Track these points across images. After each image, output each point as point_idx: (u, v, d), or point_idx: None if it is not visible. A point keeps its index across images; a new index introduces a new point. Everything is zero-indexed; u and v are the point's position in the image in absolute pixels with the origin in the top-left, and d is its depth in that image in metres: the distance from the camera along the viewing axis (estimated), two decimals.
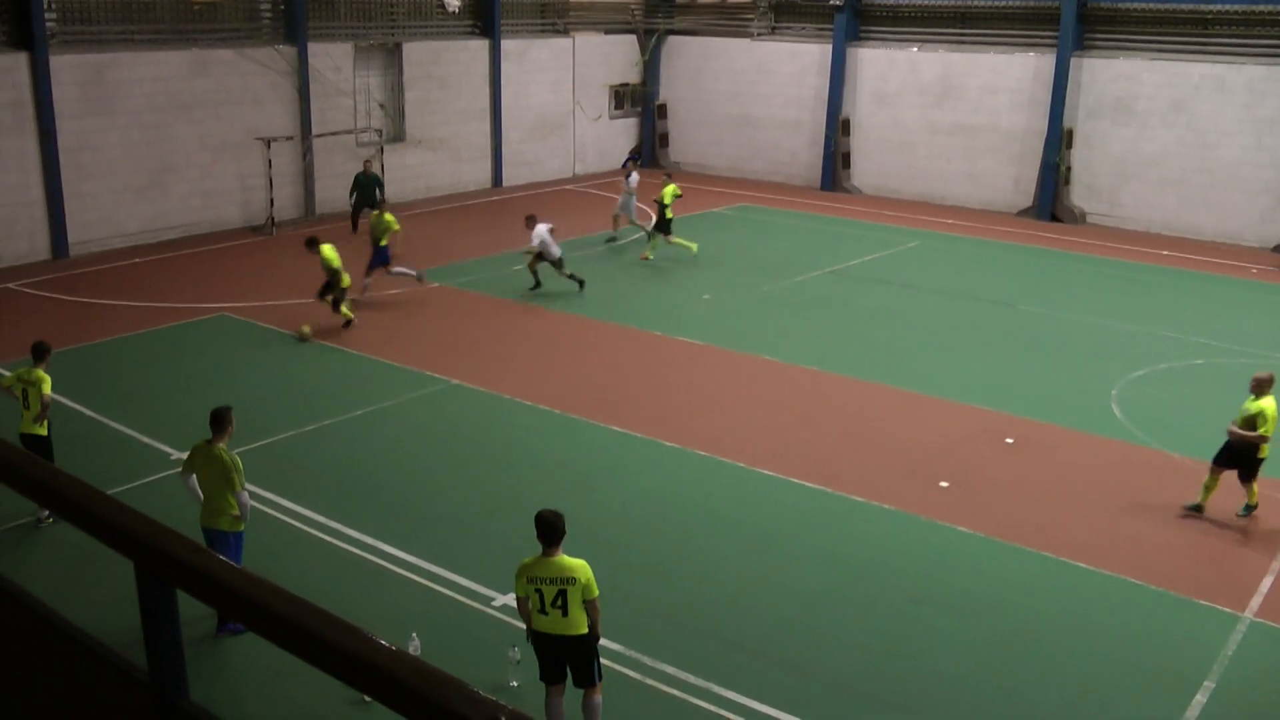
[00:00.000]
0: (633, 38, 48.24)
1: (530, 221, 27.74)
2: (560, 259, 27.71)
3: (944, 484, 18.24)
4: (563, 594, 10.63)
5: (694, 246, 32.04)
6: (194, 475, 13.19)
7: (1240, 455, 17.22)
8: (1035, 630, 14.30)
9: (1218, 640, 14.26)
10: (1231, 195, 38.07)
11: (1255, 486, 17.43)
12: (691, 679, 12.78)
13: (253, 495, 16.48)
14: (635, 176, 34.19)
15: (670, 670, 12.92)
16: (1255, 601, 15.29)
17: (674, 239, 31.94)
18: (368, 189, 33.99)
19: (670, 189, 32.09)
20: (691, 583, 14.94)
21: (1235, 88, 37.69)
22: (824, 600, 14.62)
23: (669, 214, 31.81)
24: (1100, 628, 14.44)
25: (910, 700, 12.73)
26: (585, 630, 10.81)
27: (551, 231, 27.80)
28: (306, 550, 15.48)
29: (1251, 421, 16.99)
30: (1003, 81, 41.62)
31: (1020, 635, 14.17)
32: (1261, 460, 17.16)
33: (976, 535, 16.63)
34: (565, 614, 10.68)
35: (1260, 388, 17.29)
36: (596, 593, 10.76)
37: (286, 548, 15.49)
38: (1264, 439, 16.92)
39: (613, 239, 34.45)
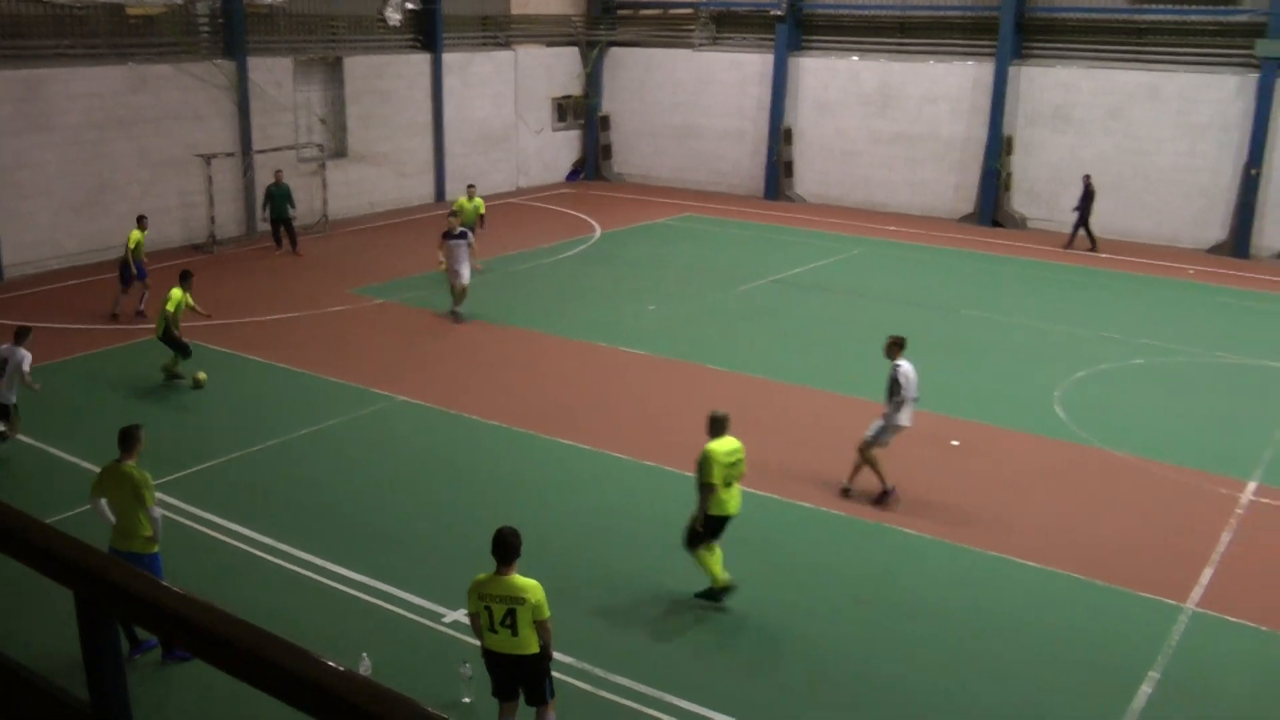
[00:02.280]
0: (575, 50, 48.24)
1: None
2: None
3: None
4: (512, 613, 10.53)
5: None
6: (103, 498, 12.85)
7: None
8: (984, 629, 14.42)
9: (1161, 632, 14.50)
10: (1167, 199, 38.64)
11: None
12: (645, 689, 12.77)
13: (198, 519, 16.46)
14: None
15: (623, 681, 12.91)
16: (1196, 592, 15.58)
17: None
18: (280, 201, 33.44)
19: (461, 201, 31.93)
20: (643, 593, 14.93)
21: (1169, 95, 38.34)
22: (775, 605, 14.66)
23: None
24: (1047, 624, 14.59)
25: (862, 702, 12.78)
26: (535, 650, 10.70)
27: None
28: (254, 573, 15.32)
29: None
30: (943, 90, 41.96)
31: (969, 634, 14.27)
32: None
33: (924, 537, 16.74)
34: (515, 633, 10.58)
35: None
36: (548, 614, 10.65)
37: (233, 571, 15.33)
38: None
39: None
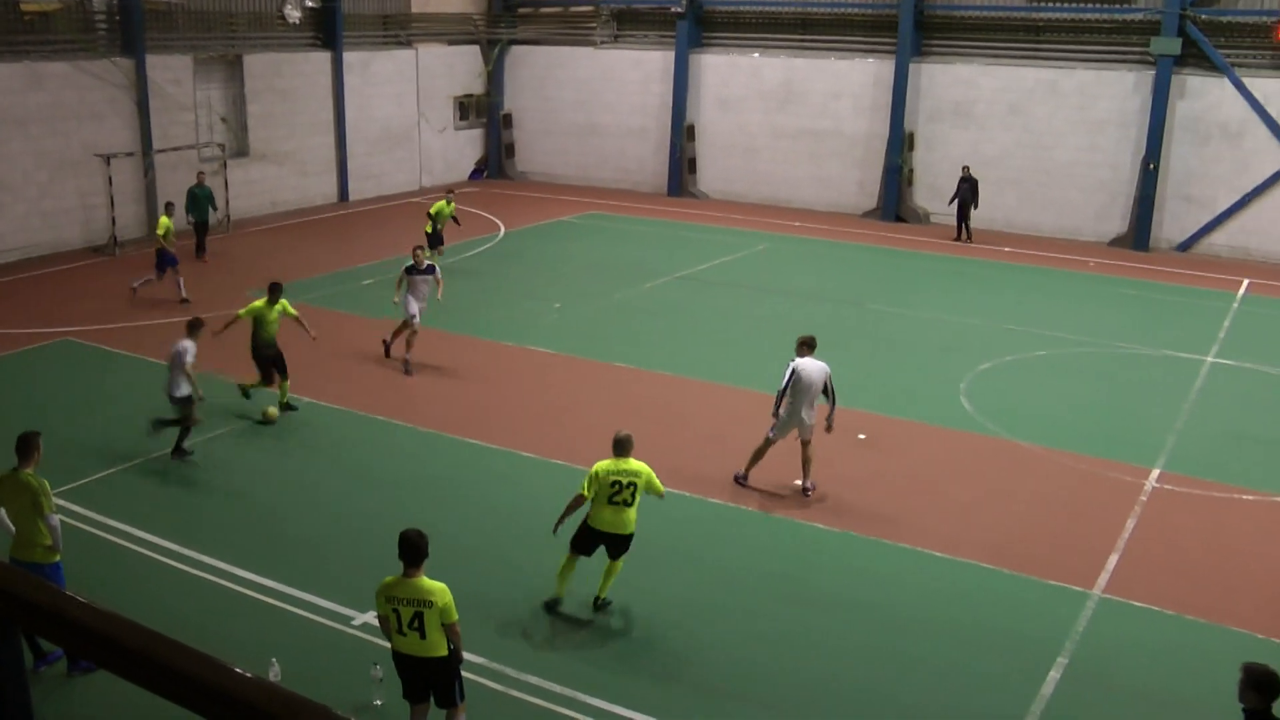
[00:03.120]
0: (476, 48, 47.94)
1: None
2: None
3: (799, 483, 18.33)
4: (419, 616, 10.40)
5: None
6: (1, 507, 12.55)
7: None
8: (895, 620, 14.47)
9: (1069, 618, 14.67)
10: (1068, 193, 39.27)
11: None
12: (556, 688, 12.66)
13: (101, 526, 16.12)
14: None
15: (535, 680, 12.79)
16: (1103, 579, 15.79)
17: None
18: (204, 203, 32.81)
19: (440, 205, 31.64)
20: (553, 592, 14.79)
21: (1068, 91, 38.99)
22: (688, 603, 14.59)
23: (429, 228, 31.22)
24: (957, 614, 14.68)
25: (778, 700, 12.75)
26: (444, 652, 10.60)
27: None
28: (159, 580, 14.98)
29: None
30: (845, 86, 42.25)
31: (881, 626, 14.31)
32: None
33: (834, 531, 16.77)
34: (423, 636, 10.47)
35: None
36: (455, 617, 10.53)
37: (138, 579, 14.99)
38: None
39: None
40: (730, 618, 14.40)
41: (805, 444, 17.94)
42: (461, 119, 47.78)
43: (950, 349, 25.88)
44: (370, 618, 13.40)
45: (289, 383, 20.96)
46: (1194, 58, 37.36)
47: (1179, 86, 37.51)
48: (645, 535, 16.05)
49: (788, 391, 17.68)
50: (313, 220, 38.90)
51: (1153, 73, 37.52)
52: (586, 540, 14.13)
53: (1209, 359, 26.08)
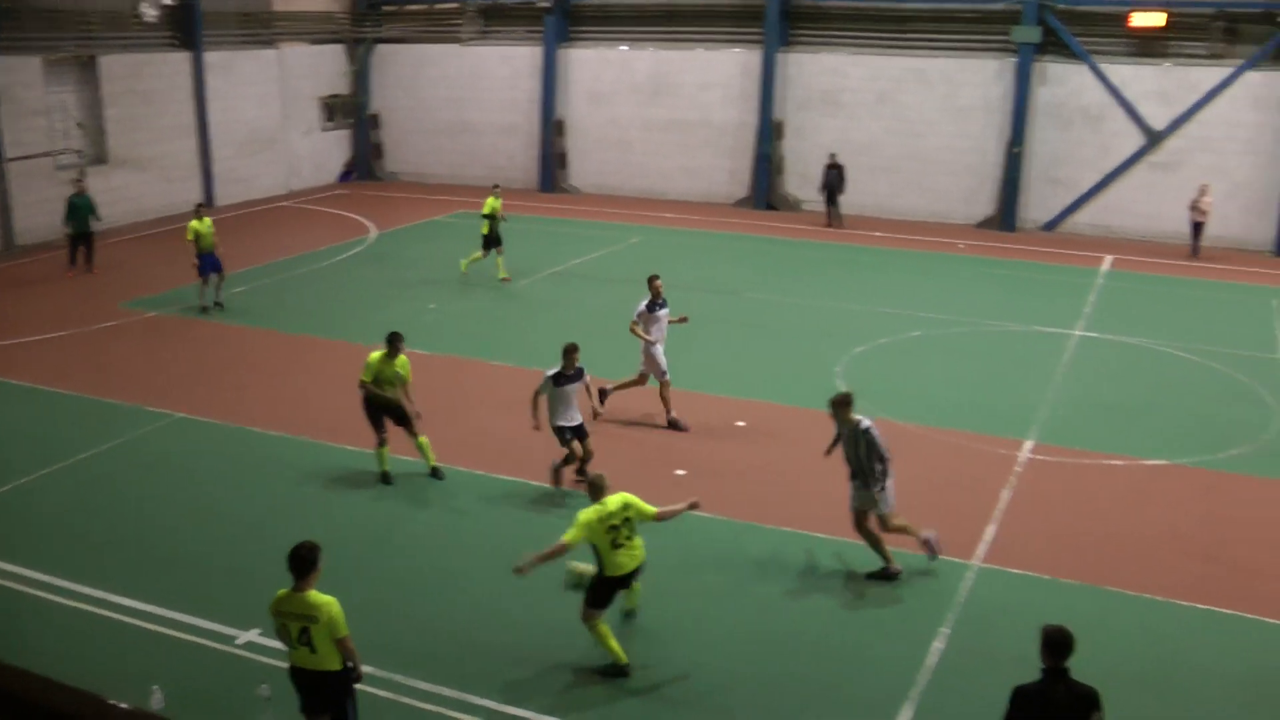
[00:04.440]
0: (341, 48, 47.35)
1: None
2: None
3: (680, 472, 18.34)
4: (305, 631, 10.14)
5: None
6: None
7: None
8: (780, 602, 14.52)
9: (950, 589, 14.93)
10: (938, 178, 39.96)
11: None
12: (447, 692, 12.48)
13: None
14: None
15: (424, 686, 12.60)
16: (981, 549, 16.10)
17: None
18: (84, 213, 31.58)
19: (492, 201, 31.03)
20: (439, 596, 14.57)
21: (934, 79, 39.76)
22: (573, 601, 14.40)
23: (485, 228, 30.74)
24: (840, 592, 14.78)
25: (673, 693, 12.71)
26: (338, 666, 10.29)
27: None
28: (28, 613, 14.33)
29: None
30: (713, 77, 42.50)
31: (765, 612, 14.34)
32: None
33: (717, 519, 16.74)
34: (313, 650, 10.20)
35: None
36: (344, 631, 10.20)
37: (4, 614, 14.37)
38: None
39: None
40: (615, 612, 14.31)
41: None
42: (328, 120, 47.14)
43: (825, 333, 26.09)
44: (254, 635, 13.20)
45: (425, 438, 18.43)
46: (1054, 46, 38.31)
47: (1040, 73, 38.44)
48: (522, 535, 16.02)
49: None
50: (179, 228, 37.82)
51: (1015, 60, 38.43)
52: (609, 592, 13.17)
53: (1076, 333, 26.67)
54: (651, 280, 21.11)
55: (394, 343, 17.91)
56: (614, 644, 12.93)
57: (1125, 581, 15.23)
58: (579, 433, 17.62)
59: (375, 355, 17.92)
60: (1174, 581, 15.29)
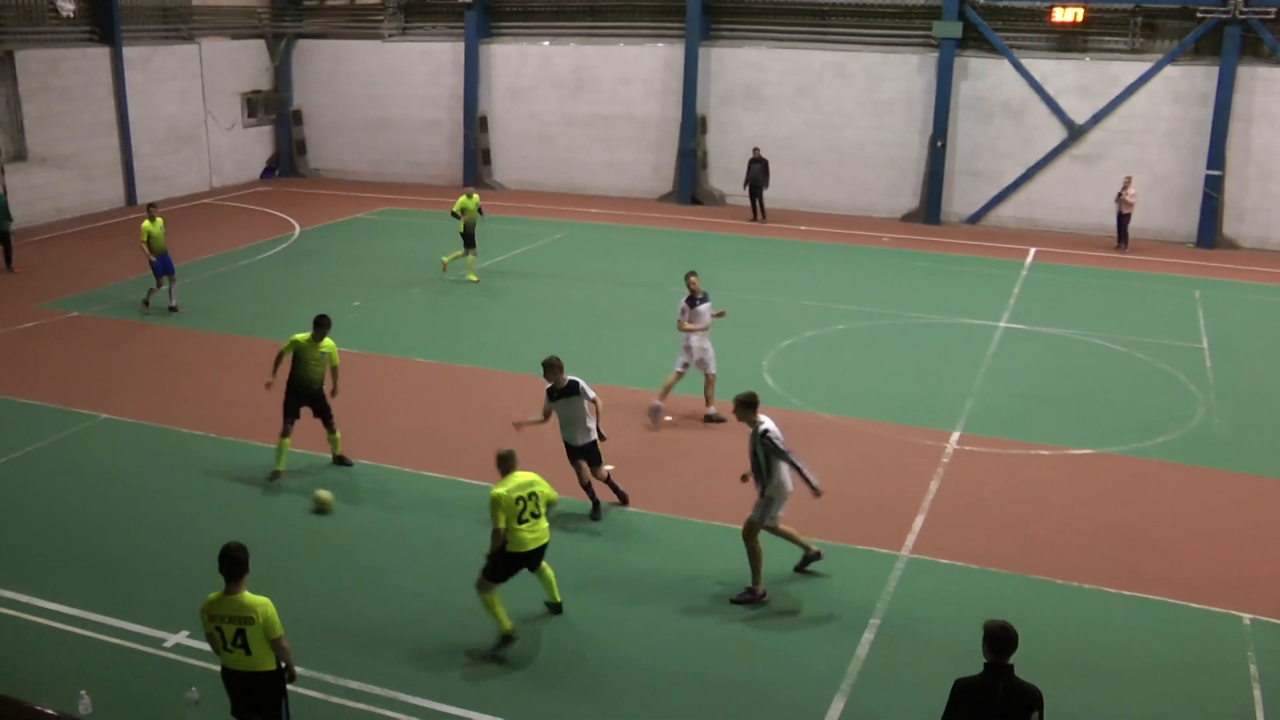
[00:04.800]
0: (262, 43, 46.71)
1: None
2: None
3: (609, 467, 18.18)
4: (241, 633, 9.97)
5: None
6: None
7: None
8: (710, 598, 14.43)
9: (880, 580, 14.95)
10: (860, 172, 40.13)
11: None
12: (377, 690, 12.30)
13: None
14: None
15: (355, 685, 12.41)
16: (910, 540, 16.16)
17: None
18: (1, 212, 30.98)
19: (463, 201, 30.71)
20: (366, 595, 14.36)
21: (855, 73, 39.96)
22: (506, 596, 14.22)
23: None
24: (770, 585, 14.63)
25: (597, 686, 12.60)
26: (272, 667, 10.15)
27: None
28: None
29: None
30: (635, 72, 42.43)
31: (695, 605, 14.25)
32: None
33: (646, 514, 16.66)
34: (248, 652, 10.03)
35: None
36: (279, 631, 10.07)
37: None
38: None
39: None
40: (536, 605, 14.16)
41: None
42: (250, 116, 46.48)
43: (751, 327, 26.02)
44: (183, 638, 12.96)
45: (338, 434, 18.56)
46: (975, 40, 38.62)
47: (962, 68, 38.71)
48: (447, 532, 15.89)
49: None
50: (100, 226, 37.37)
51: (936, 55, 38.66)
52: (508, 569, 13.17)
53: (1001, 325, 26.85)
54: (688, 277, 21.07)
55: (319, 325, 17.97)
56: (500, 612, 13.12)
57: (1053, 570, 15.32)
58: (585, 453, 16.76)
59: (301, 335, 18.04)
60: (1101, 569, 15.41)
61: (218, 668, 10.41)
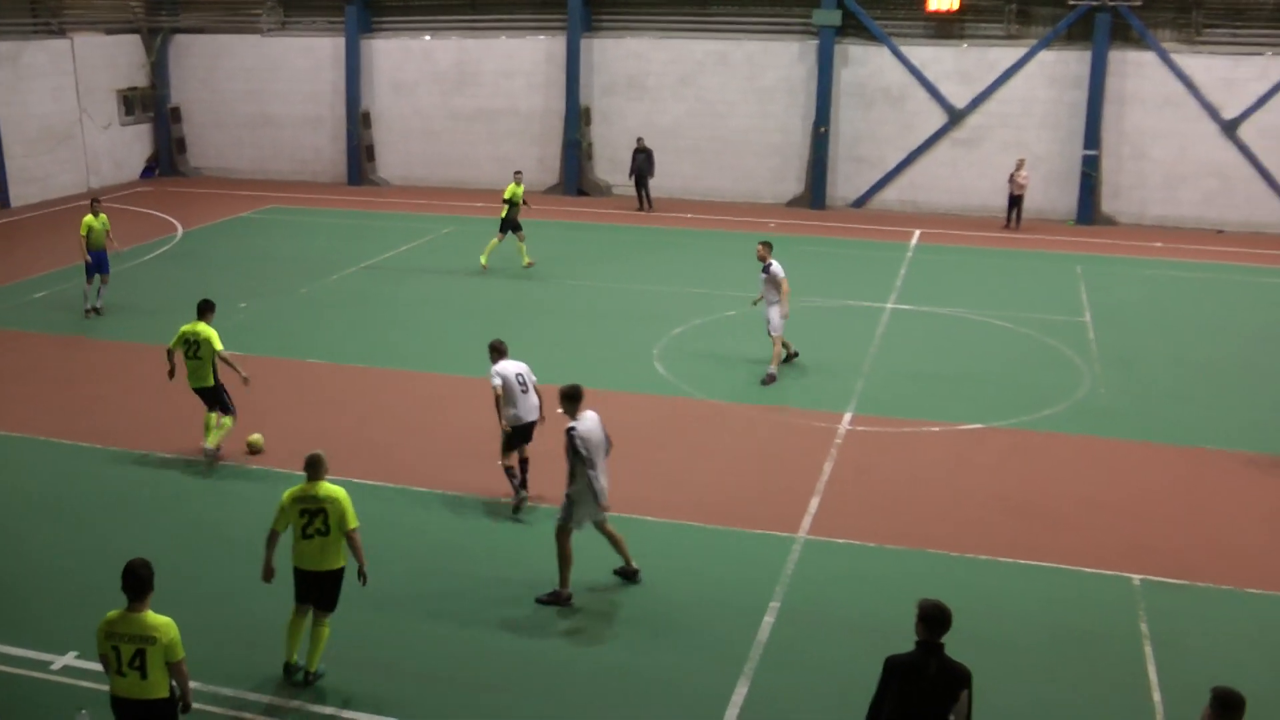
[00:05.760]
0: (137, 38, 45.64)
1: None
2: None
3: (499, 463, 18.12)
4: (141, 654, 9.55)
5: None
6: None
7: None
8: (608, 589, 14.44)
9: (778, 564, 15.05)
10: (744, 159, 40.49)
11: None
12: (276, 701, 12.11)
13: None
14: None
15: (251, 696, 12.18)
16: (806, 521, 16.31)
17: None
18: None
19: (512, 188, 31.07)
20: (259, 603, 13.87)
21: (737, 61, 40.32)
22: (402, 597, 14.01)
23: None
24: (671, 574, 14.73)
25: (501, 681, 12.52)
26: (164, 694, 9.72)
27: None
28: None
29: None
30: (518, 65, 42.34)
31: (594, 597, 14.26)
32: None
33: (539, 507, 16.58)
34: (144, 675, 9.59)
35: None
36: (181, 655, 9.68)
37: None
38: None
39: None
40: (445, 604, 14.01)
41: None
42: (127, 114, 45.38)
43: (641, 317, 26.13)
44: (71, 659, 12.56)
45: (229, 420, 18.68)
46: (854, 28, 39.17)
47: (842, 55, 39.22)
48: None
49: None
50: None
51: (816, 43, 39.08)
52: (298, 584, 12.45)
53: (889, 306, 27.26)
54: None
55: (202, 310, 18.36)
56: (293, 640, 12.43)
57: (946, 543, 15.60)
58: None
59: (185, 325, 18.32)
60: (992, 540, 15.73)
61: (109, 693, 9.97)
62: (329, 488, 11.79)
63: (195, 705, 10.32)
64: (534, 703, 12.15)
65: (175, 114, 46.58)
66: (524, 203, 31.24)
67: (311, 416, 20.25)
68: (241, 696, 12.12)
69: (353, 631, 13.07)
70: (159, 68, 46.10)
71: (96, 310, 26.49)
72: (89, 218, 26.45)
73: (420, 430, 19.75)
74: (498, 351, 16.94)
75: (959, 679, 8.94)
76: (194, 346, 18.15)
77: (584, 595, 14.23)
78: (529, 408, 16.77)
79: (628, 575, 14.57)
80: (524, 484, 16.82)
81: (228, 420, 18.51)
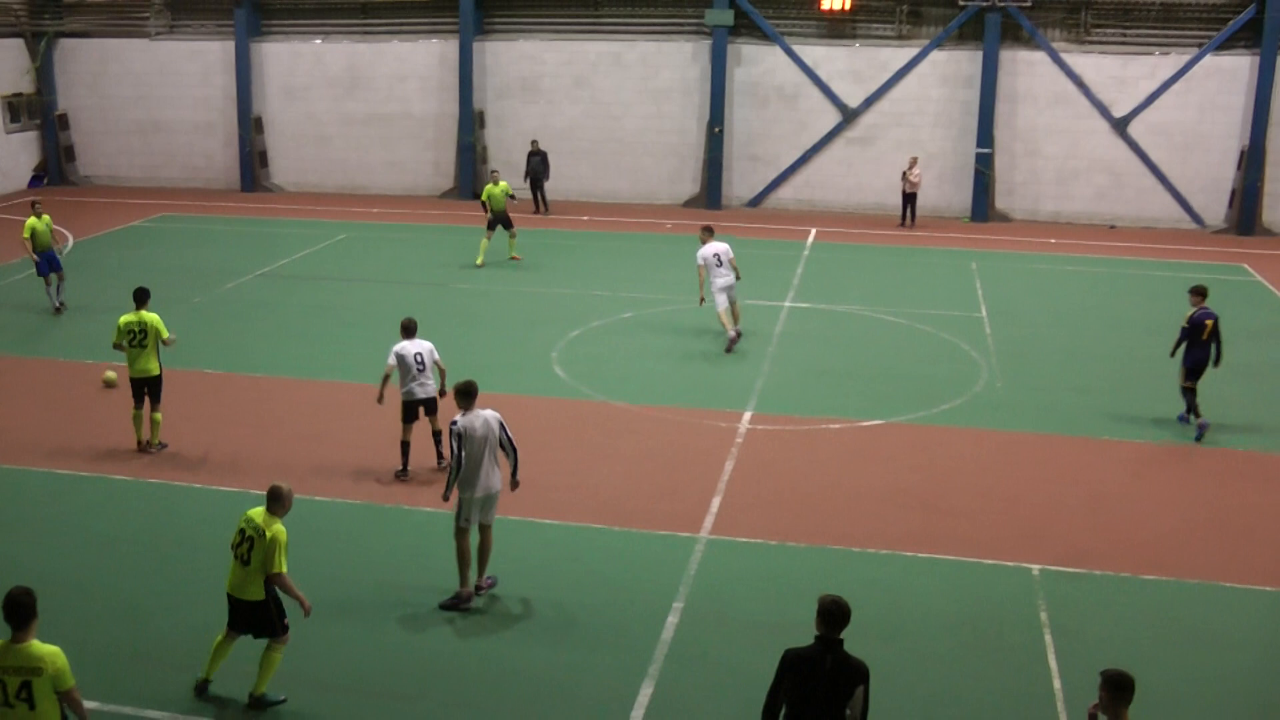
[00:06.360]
0: (20, 42, 44.63)
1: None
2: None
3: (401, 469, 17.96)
4: (27, 685, 9.14)
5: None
6: None
7: None
8: (510, 592, 14.31)
9: (680, 564, 15.02)
10: (640, 160, 40.58)
11: None
12: (180, 718, 11.84)
13: None
14: None
15: (155, 715, 11.89)
16: (709, 521, 16.30)
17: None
18: None
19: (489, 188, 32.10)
20: (165, 618, 13.73)
21: (630, 62, 40.37)
22: (330, 607, 13.76)
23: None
24: (572, 576, 14.70)
25: (404, 688, 12.40)
26: None
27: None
28: None
29: None
30: (410, 69, 42.06)
31: (495, 600, 14.14)
32: None
33: (443, 513, 16.35)
34: (32, 707, 9.19)
35: None
36: (71, 682, 9.28)
37: None
38: None
39: None
40: (377, 614, 13.78)
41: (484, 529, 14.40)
42: (13, 121, 44.30)
43: (539, 320, 26.02)
44: None
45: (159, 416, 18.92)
46: (746, 28, 39.37)
47: (735, 55, 39.37)
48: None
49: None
50: None
51: (709, 43, 39.17)
52: (229, 607, 12.19)
53: (786, 304, 27.41)
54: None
55: (140, 298, 18.67)
56: (213, 659, 12.15)
57: (848, 539, 15.67)
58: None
59: (123, 317, 18.48)
60: (894, 533, 15.84)
61: None
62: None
63: None
64: (438, 708, 12.03)
65: (63, 121, 45.60)
66: (510, 196, 32.47)
67: (206, 427, 19.87)
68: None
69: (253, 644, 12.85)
70: (44, 73, 45.05)
71: (60, 307, 27.00)
72: (32, 219, 26.81)
73: (316, 439, 19.48)
74: (405, 330, 18.03)
75: (856, 675, 8.96)
76: (140, 335, 18.32)
77: (486, 599, 14.13)
78: (420, 386, 17.62)
79: (477, 589, 14.22)
80: (439, 455, 17.85)
81: (158, 415, 18.79)
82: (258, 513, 11.77)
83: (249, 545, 11.64)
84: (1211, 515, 16.71)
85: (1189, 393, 19.84)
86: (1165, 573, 14.89)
